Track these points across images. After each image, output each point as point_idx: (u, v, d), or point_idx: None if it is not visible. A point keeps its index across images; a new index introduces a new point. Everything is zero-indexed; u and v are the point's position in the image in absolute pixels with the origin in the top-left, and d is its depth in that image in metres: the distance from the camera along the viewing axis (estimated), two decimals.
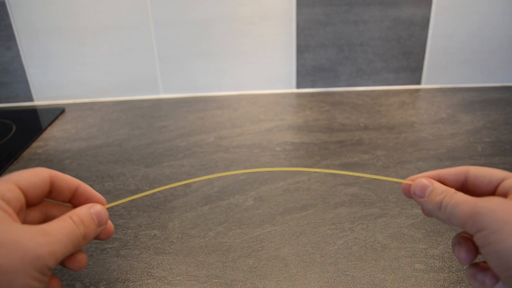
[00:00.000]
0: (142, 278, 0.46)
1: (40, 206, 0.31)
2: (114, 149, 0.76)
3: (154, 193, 0.62)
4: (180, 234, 0.53)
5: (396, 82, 1.02)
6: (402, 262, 0.47)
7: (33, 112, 0.95)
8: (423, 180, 0.31)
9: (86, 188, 0.31)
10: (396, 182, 0.62)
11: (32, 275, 0.24)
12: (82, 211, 0.29)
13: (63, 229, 0.26)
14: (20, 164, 0.71)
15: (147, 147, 0.76)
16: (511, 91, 0.98)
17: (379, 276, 0.45)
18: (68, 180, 0.31)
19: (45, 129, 0.85)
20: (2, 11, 0.91)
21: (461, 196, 0.28)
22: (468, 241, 0.29)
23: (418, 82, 1.02)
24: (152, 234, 0.53)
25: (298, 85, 1.02)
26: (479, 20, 0.95)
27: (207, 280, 0.46)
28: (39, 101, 1.01)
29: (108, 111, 0.94)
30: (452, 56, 0.99)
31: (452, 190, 0.29)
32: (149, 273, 0.47)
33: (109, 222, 0.31)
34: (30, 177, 0.28)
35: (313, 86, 1.02)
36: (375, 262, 0.47)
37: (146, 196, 0.61)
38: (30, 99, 1.00)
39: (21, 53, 0.95)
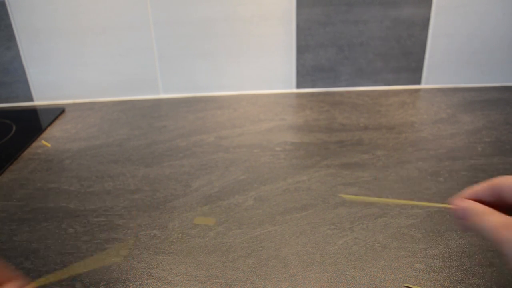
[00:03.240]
0: (142, 278, 0.46)
1: None
2: (114, 149, 0.76)
3: (154, 193, 0.62)
4: (180, 234, 0.53)
5: (396, 82, 1.02)
6: (402, 262, 0.47)
7: (33, 112, 0.95)
8: (462, 203, 0.31)
9: (6, 271, 0.27)
10: (395, 183, 0.62)
11: None
12: None
13: None
14: (20, 164, 0.72)
15: (147, 147, 0.76)
16: (511, 91, 0.98)
17: (379, 276, 0.45)
18: None
19: (45, 129, 0.85)
20: (2, 11, 0.91)
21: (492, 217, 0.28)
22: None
23: (418, 82, 1.02)
24: (152, 234, 0.53)
25: (298, 85, 1.02)
26: (479, 20, 0.95)
27: (207, 280, 0.46)
28: (39, 101, 1.01)
29: (108, 111, 0.94)
30: (452, 56, 0.99)
31: (486, 212, 0.28)
32: (149, 273, 0.47)
33: None
34: None
35: (313, 86, 1.02)
36: (375, 262, 0.47)
37: (146, 196, 0.61)
38: (30, 99, 1.00)
39: (21, 53, 0.95)
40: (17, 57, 0.96)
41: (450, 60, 1.00)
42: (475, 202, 0.30)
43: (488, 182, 0.30)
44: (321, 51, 0.98)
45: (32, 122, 0.89)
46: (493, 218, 0.28)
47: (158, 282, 0.46)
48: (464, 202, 0.31)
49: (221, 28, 0.95)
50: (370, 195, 0.59)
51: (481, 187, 0.31)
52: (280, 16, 0.94)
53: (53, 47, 0.95)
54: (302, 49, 0.98)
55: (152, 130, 0.83)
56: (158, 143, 0.77)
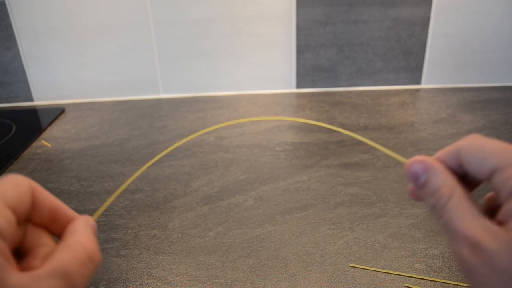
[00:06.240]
0: (142, 278, 0.46)
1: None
2: (114, 149, 0.76)
3: (154, 193, 0.62)
4: (180, 234, 0.53)
5: (396, 82, 1.02)
6: (402, 262, 0.47)
7: (33, 112, 0.95)
8: (417, 163, 0.24)
9: (67, 210, 0.25)
10: (395, 183, 0.62)
11: None
12: (90, 238, 0.23)
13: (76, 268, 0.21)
14: (20, 164, 0.71)
15: (147, 147, 0.76)
16: (511, 91, 0.98)
17: (379, 276, 0.45)
18: (48, 196, 0.24)
19: (45, 129, 0.85)
20: (2, 11, 0.91)
21: (454, 213, 0.22)
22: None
23: (418, 82, 1.02)
24: (152, 234, 0.53)
25: (298, 85, 1.02)
26: (479, 20, 0.95)
27: (207, 280, 0.46)
28: (39, 101, 1.01)
29: (108, 111, 0.94)
30: (452, 56, 0.99)
31: (446, 195, 0.23)
32: (149, 273, 0.47)
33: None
34: (15, 188, 0.22)
35: (313, 86, 1.02)
36: (375, 262, 0.47)
37: (146, 196, 0.61)
38: (30, 99, 1.00)
39: (21, 53, 0.95)
40: (17, 57, 0.96)
41: (450, 60, 1.00)
42: (437, 169, 0.24)
43: (448, 147, 0.24)
44: (321, 51, 0.98)
45: (32, 122, 0.89)
46: (457, 210, 0.22)
47: (158, 282, 0.46)
48: (421, 161, 0.24)
49: (221, 28, 0.95)
50: (370, 195, 0.59)
51: (443, 152, 0.24)
52: (280, 16, 0.94)
53: (53, 47, 0.95)
54: (302, 49, 0.98)
55: (152, 130, 0.83)
56: (158, 143, 0.77)
